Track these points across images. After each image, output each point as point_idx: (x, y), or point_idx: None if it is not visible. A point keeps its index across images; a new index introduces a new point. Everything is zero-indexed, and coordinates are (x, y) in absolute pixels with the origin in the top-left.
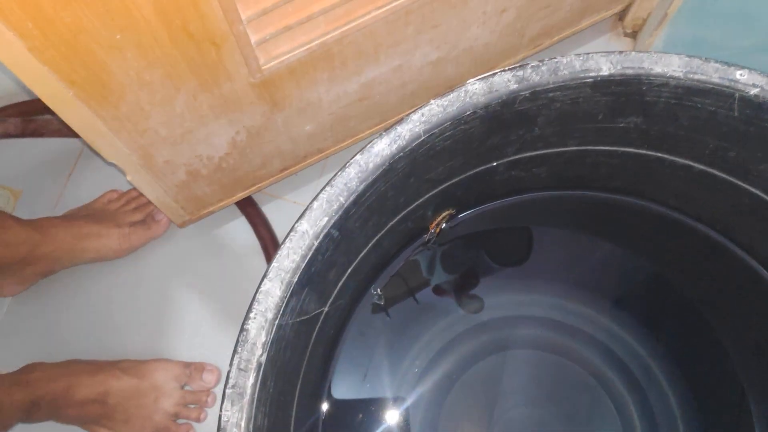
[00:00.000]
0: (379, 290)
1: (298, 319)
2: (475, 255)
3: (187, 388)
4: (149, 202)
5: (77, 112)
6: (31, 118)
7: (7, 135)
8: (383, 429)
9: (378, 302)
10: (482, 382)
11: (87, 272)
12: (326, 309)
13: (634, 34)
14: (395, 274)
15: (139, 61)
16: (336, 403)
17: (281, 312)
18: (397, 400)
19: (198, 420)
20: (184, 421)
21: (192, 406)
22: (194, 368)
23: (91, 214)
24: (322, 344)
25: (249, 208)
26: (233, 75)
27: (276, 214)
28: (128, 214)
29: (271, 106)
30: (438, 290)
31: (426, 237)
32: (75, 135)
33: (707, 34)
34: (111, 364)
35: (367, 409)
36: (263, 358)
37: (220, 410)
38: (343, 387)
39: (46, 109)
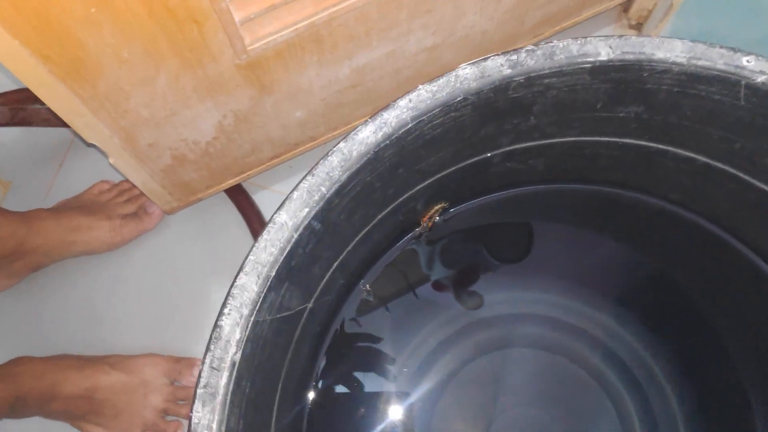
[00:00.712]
0: (368, 286)
1: (278, 316)
2: (473, 250)
3: (177, 383)
4: (141, 194)
5: (53, 89)
6: (20, 107)
7: None
8: (373, 426)
9: (367, 298)
10: (478, 381)
11: (77, 266)
12: (311, 305)
13: (639, 26)
14: (389, 267)
15: (117, 37)
16: (323, 401)
17: (258, 308)
18: (389, 397)
19: (188, 417)
20: (173, 417)
21: (182, 402)
22: (185, 364)
23: (81, 206)
24: (308, 342)
25: (241, 199)
26: (217, 55)
27: (267, 207)
28: (119, 206)
29: (258, 89)
30: (436, 285)
31: (418, 231)
32: (65, 124)
33: (715, 25)
34: (99, 359)
35: (357, 406)
36: (237, 357)
37: (191, 411)
38: (332, 386)
39: (36, 99)
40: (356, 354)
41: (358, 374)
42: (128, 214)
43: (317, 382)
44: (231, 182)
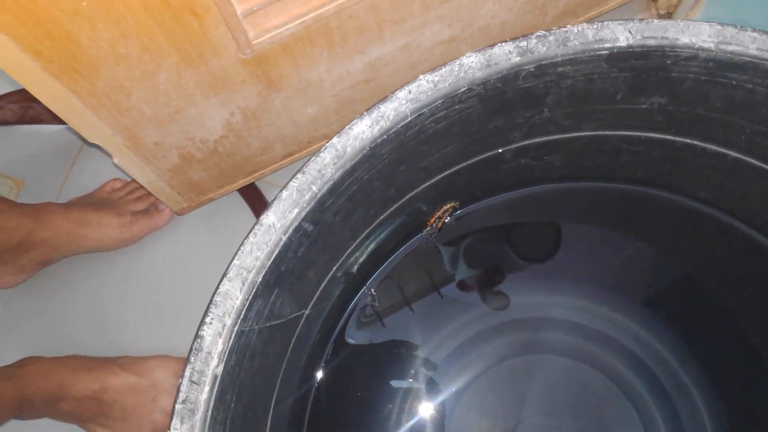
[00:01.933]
0: (373, 290)
1: (267, 324)
2: (497, 248)
3: None
4: None
5: (48, 86)
6: (29, 105)
7: (5, 122)
8: None
9: (372, 303)
10: (498, 387)
11: (87, 264)
12: (307, 311)
13: (668, 16)
14: (408, 263)
15: (111, 31)
16: (324, 411)
17: (243, 317)
18: (399, 407)
19: None
20: None
21: None
22: None
23: (92, 203)
24: (306, 350)
25: (255, 198)
26: (220, 50)
27: None
28: (131, 203)
29: (266, 85)
30: (461, 285)
31: (426, 232)
32: None
33: (748, 15)
34: (109, 360)
35: (363, 416)
36: (219, 370)
37: (169, 428)
38: (334, 395)
39: None
40: (362, 361)
41: (364, 382)
42: (138, 211)
43: (318, 392)
44: (243, 182)
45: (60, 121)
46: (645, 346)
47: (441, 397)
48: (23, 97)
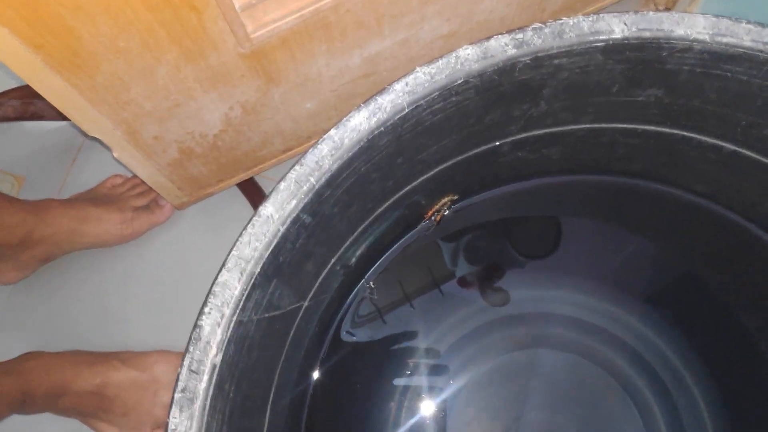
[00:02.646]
0: (371, 283)
1: (266, 315)
2: (497, 245)
3: None
4: None
5: (48, 80)
6: (31, 100)
7: (6, 118)
8: (379, 427)
9: (371, 296)
10: (495, 382)
11: (88, 259)
12: (306, 304)
13: (667, 11)
14: (406, 260)
15: (111, 26)
16: (323, 405)
17: (241, 307)
18: (397, 401)
19: None
20: None
21: None
22: None
23: (93, 199)
24: (304, 343)
25: (254, 193)
26: (219, 44)
27: None
28: (132, 199)
29: (265, 80)
30: (460, 281)
31: (424, 225)
32: None
33: (746, 10)
34: (110, 355)
35: (360, 411)
36: (218, 359)
37: (168, 417)
38: (333, 389)
39: None
40: (361, 357)
41: (362, 378)
42: (139, 206)
43: (316, 387)
44: (242, 176)
45: (61, 118)
46: (644, 341)
47: (441, 393)
48: (24, 93)
